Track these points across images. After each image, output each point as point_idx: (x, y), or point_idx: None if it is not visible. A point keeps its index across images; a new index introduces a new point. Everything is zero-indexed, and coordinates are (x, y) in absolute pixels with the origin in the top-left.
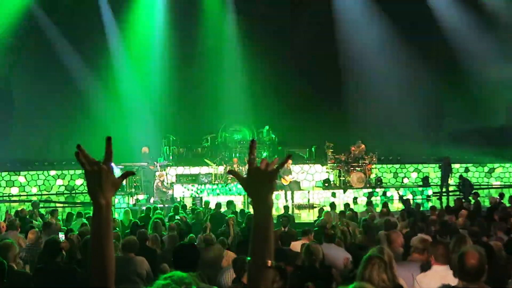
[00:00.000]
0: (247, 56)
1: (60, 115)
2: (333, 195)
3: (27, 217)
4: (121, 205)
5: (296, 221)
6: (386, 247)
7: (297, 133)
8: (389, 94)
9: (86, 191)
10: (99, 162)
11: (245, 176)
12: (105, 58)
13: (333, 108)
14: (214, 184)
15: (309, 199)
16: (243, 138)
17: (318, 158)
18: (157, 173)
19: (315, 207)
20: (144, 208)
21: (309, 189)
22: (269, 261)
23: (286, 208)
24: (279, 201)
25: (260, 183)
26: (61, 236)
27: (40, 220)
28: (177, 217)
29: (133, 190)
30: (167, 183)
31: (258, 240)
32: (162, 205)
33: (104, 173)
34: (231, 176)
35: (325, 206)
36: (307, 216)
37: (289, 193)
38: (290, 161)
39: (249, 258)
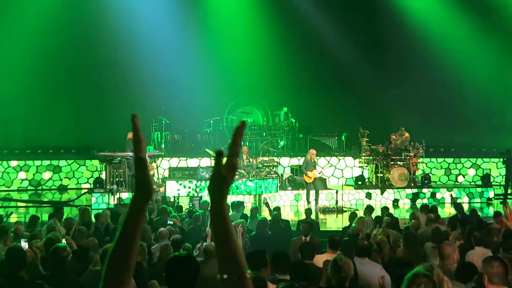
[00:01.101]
0: (262, 22)
1: (22, 92)
2: (368, 196)
3: None
4: (100, 205)
5: (321, 229)
6: (436, 264)
7: (323, 117)
8: (440, 71)
9: (55, 188)
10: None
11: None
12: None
13: (369, 87)
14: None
15: (337, 201)
16: (255, 122)
17: (349, 149)
18: None
19: (345, 211)
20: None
21: (337, 189)
22: (246, 273)
23: (308, 211)
24: (299, 203)
25: (215, 183)
26: (23, 244)
27: None
28: (169, 221)
29: (114, 186)
30: (158, 179)
31: (224, 252)
32: (151, 206)
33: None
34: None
35: (357, 210)
36: (335, 223)
37: (312, 192)
38: (314, 153)
39: (219, 276)
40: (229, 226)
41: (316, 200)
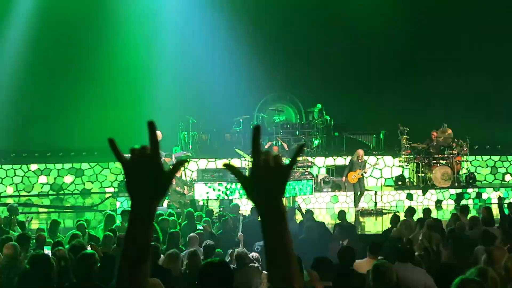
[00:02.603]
0: (292, 12)
1: (42, 94)
2: (409, 197)
3: (2, 226)
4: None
5: (359, 232)
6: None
7: (360, 114)
8: (484, 62)
9: (78, 192)
10: (145, 148)
11: (247, 173)
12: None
13: (408, 81)
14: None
15: (376, 203)
16: (288, 120)
17: (388, 147)
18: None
19: (385, 213)
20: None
21: (376, 189)
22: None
23: (342, 214)
24: (335, 205)
25: (269, 184)
26: (46, 251)
27: (20, 229)
28: (199, 226)
29: None
30: (186, 181)
31: (277, 263)
32: (179, 210)
33: (151, 163)
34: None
35: (398, 212)
36: (374, 226)
37: (350, 193)
38: (361, 154)
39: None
40: (288, 234)
41: (357, 202)
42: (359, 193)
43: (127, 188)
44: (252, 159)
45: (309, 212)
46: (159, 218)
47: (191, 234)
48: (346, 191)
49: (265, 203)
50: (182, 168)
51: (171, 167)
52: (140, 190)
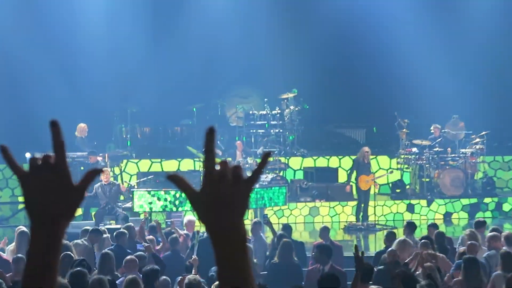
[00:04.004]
0: None
1: None
2: (410, 209)
3: None
4: None
5: (345, 254)
6: None
7: (347, 103)
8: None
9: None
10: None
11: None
12: None
13: (407, 63)
14: None
15: (367, 216)
16: (254, 109)
17: (383, 144)
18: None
19: (378, 229)
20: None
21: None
22: None
23: (324, 231)
24: (315, 219)
25: (224, 202)
26: None
27: None
28: (139, 245)
29: None
30: (123, 187)
31: None
32: (112, 225)
33: (56, 174)
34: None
35: (395, 228)
36: (364, 246)
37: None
38: (368, 152)
39: None
40: (249, 267)
41: (364, 215)
42: (362, 204)
43: (25, 206)
44: (204, 170)
45: (287, 228)
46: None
47: (128, 257)
48: (330, 201)
49: (218, 227)
50: (108, 170)
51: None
52: (42, 208)
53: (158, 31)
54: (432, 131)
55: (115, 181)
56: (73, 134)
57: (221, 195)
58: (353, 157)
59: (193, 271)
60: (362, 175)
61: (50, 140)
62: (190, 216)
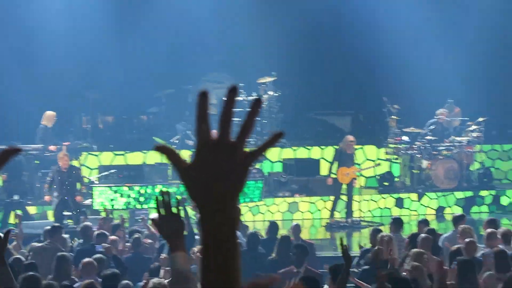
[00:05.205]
0: None
1: None
2: (399, 204)
3: None
4: None
5: (325, 254)
6: None
7: (331, 88)
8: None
9: None
10: None
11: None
12: None
13: (397, 44)
14: (173, 185)
15: (351, 212)
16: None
17: (370, 133)
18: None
19: (364, 226)
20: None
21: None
22: None
23: (295, 229)
24: (294, 215)
25: (220, 172)
26: None
27: None
28: (98, 247)
29: (15, 197)
30: (83, 182)
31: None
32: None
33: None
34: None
35: (382, 225)
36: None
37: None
38: (352, 142)
39: None
40: (239, 256)
41: (349, 211)
42: (346, 199)
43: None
44: (196, 140)
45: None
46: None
47: (85, 260)
48: (311, 196)
49: (209, 204)
50: (67, 157)
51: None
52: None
53: (123, 13)
54: (438, 117)
55: (74, 166)
56: (28, 123)
57: (215, 169)
58: (337, 147)
59: (161, 272)
60: (343, 167)
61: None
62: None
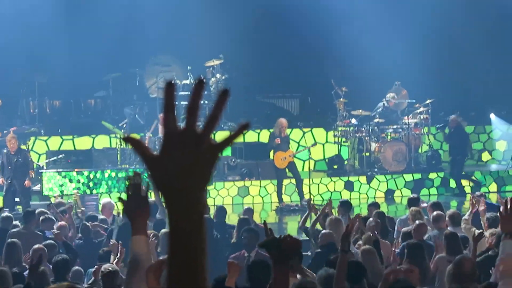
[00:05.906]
0: None
1: None
2: (349, 187)
3: None
4: None
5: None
6: None
7: (279, 71)
8: None
9: None
10: None
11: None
12: None
13: (345, 25)
14: (122, 170)
15: (301, 196)
16: (176, 79)
17: (319, 115)
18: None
19: (317, 209)
20: None
21: (302, 176)
22: None
23: (248, 212)
24: (244, 199)
25: (188, 163)
26: None
27: None
28: (48, 233)
29: None
30: (32, 166)
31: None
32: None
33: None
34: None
35: (332, 208)
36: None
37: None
38: (285, 125)
39: None
40: (205, 245)
41: (300, 193)
42: (295, 182)
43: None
44: (163, 130)
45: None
46: None
47: (35, 246)
48: (261, 179)
49: (175, 195)
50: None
51: None
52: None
53: None
54: (387, 100)
55: (23, 149)
56: None
57: (182, 160)
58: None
59: (111, 258)
60: (279, 151)
61: None
62: (107, 199)
